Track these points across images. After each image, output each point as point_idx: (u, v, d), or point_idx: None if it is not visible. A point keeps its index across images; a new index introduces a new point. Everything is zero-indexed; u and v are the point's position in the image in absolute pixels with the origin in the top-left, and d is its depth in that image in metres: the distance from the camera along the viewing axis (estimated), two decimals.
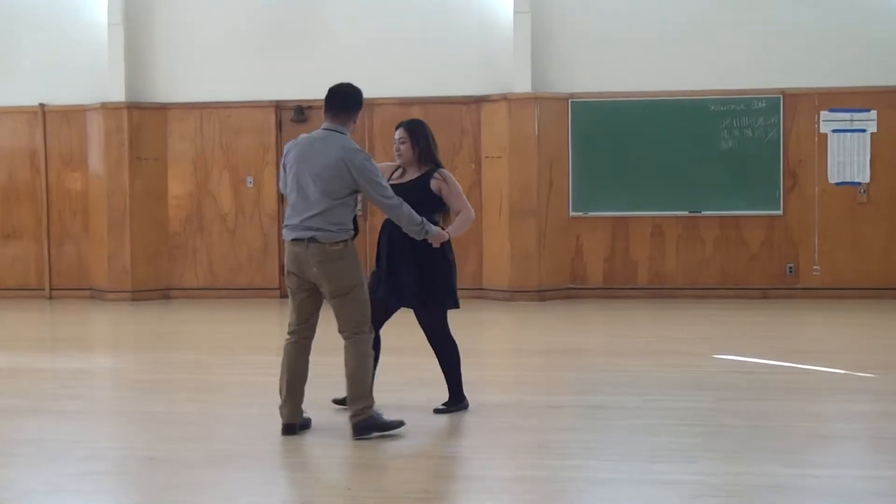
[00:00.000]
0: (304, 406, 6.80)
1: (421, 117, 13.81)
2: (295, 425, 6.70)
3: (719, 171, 13.63)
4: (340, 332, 6.70)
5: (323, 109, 6.81)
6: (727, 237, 13.73)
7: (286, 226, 6.68)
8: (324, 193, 6.54)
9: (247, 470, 6.06)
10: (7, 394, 8.30)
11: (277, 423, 6.79)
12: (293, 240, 6.60)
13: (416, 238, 6.84)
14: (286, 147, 6.83)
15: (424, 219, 6.84)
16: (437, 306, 7.34)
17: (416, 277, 7.18)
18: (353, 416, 6.61)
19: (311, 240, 6.53)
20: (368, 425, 6.57)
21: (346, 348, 6.67)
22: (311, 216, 6.55)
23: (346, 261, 6.57)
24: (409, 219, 6.73)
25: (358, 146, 6.70)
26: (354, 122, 6.79)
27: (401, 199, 6.74)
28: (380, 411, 6.68)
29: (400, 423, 6.67)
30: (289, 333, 6.78)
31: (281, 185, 6.93)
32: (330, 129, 6.71)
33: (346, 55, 14.04)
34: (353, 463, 6.24)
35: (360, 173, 6.54)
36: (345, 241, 6.57)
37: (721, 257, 13.76)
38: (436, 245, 6.96)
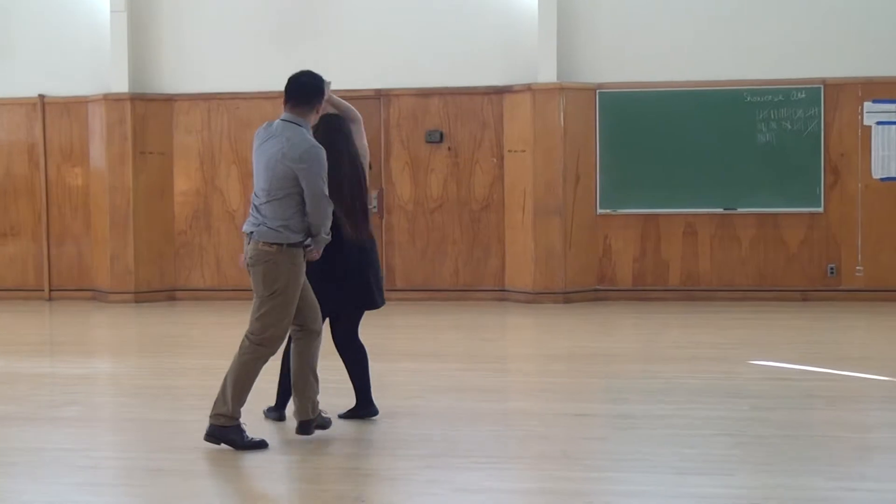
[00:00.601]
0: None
1: (440, 109, 14.02)
2: (310, 421, 6.80)
3: (756, 166, 13.58)
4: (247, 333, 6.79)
5: (283, 99, 6.80)
6: (764, 236, 13.68)
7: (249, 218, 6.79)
8: (269, 186, 6.59)
9: (255, 481, 6.06)
10: (4, 400, 8.34)
11: (285, 432, 6.79)
12: (245, 232, 6.72)
13: (319, 244, 6.72)
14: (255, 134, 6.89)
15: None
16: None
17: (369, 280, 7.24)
18: (212, 417, 6.67)
19: (251, 234, 6.65)
20: (221, 435, 6.63)
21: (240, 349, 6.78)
22: (256, 208, 6.66)
23: (275, 266, 6.59)
24: (327, 222, 6.66)
25: (311, 140, 6.64)
26: (317, 112, 6.79)
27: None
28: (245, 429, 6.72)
29: (260, 445, 6.65)
30: (293, 330, 6.94)
31: None
32: (287, 121, 6.72)
33: (361, 43, 14.05)
34: (367, 474, 6.24)
35: (297, 164, 6.51)
36: (280, 244, 6.56)
37: (758, 257, 13.71)
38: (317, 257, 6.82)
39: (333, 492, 5.95)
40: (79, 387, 8.97)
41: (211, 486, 6.02)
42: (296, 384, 6.81)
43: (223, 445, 6.59)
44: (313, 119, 6.78)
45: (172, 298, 14.55)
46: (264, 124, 6.86)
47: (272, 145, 6.63)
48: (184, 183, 14.56)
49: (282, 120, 6.74)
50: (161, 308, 13.95)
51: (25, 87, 14.68)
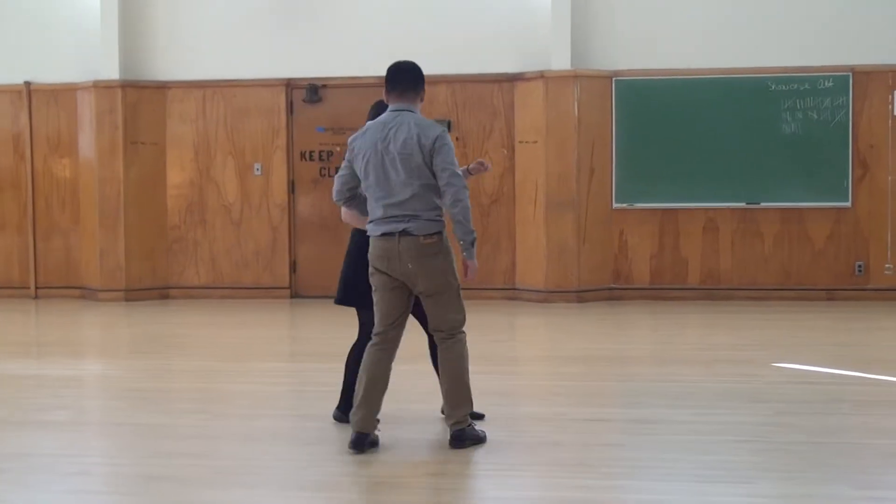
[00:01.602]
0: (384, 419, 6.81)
1: (448, 97, 14.03)
2: (366, 436, 6.74)
3: (780, 159, 13.58)
4: (434, 332, 6.89)
5: (385, 91, 6.87)
6: (789, 232, 13.69)
7: (371, 221, 6.78)
8: (410, 177, 6.67)
9: (253, 489, 6.08)
10: None
11: (289, 437, 6.81)
12: (383, 234, 6.72)
13: (465, 240, 6.76)
14: (351, 140, 6.87)
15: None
16: None
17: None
18: (454, 424, 6.82)
19: (403, 233, 6.67)
20: (467, 435, 6.83)
21: (442, 351, 6.87)
22: (398, 204, 6.68)
23: (446, 255, 6.78)
24: (468, 214, 6.76)
25: (434, 122, 6.87)
26: (422, 99, 6.94)
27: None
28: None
29: (485, 436, 6.96)
30: (374, 335, 6.86)
31: (340, 185, 6.94)
32: (400, 110, 6.81)
33: (364, 28, 14.07)
34: (371, 482, 6.25)
35: (434, 149, 6.66)
36: (441, 233, 6.75)
37: (782, 254, 13.72)
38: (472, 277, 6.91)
39: (338, 499, 5.97)
40: (67, 389, 9.00)
41: (205, 493, 6.04)
42: (371, 393, 6.82)
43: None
44: (420, 106, 6.91)
45: (165, 297, 14.58)
46: (366, 125, 6.86)
47: (399, 136, 6.69)
48: (177, 175, 14.58)
49: (394, 111, 6.80)
50: (153, 307, 13.98)
51: (10, 73, 14.71)
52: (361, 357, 6.98)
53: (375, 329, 6.85)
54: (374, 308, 6.86)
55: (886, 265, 13.55)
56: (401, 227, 6.66)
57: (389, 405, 7.18)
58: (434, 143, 6.65)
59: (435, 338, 6.93)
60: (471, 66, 13.96)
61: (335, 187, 6.98)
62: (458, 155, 13.89)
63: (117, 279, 14.41)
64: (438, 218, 6.74)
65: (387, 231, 6.69)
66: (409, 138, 6.65)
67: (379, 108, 7.21)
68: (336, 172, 7.48)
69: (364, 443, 6.72)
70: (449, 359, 6.85)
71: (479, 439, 6.86)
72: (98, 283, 14.47)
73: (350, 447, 6.71)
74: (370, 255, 6.79)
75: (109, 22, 14.30)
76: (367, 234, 6.82)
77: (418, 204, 6.68)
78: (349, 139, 6.90)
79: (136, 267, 14.47)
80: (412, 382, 8.34)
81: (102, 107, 14.32)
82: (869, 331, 11.92)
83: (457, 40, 14.00)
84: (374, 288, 6.83)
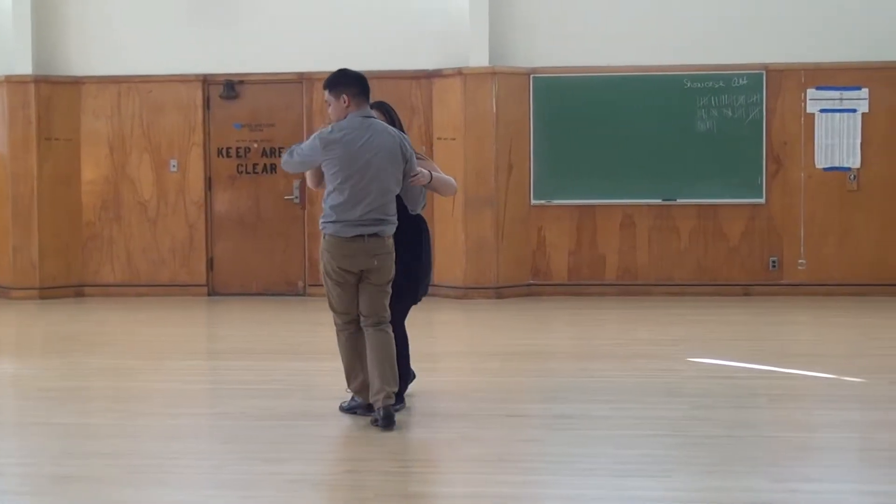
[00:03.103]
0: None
1: None
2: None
3: (696, 155, 13.71)
4: (365, 318, 7.26)
5: (350, 95, 7.21)
6: (704, 228, 13.82)
7: (341, 221, 7.13)
8: (390, 184, 7.18)
9: (170, 488, 6.02)
10: None
11: (207, 435, 6.75)
12: (355, 237, 7.12)
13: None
14: (330, 136, 7.15)
15: None
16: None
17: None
18: (386, 398, 7.12)
19: (373, 235, 7.14)
20: (393, 412, 7.18)
21: (378, 335, 7.22)
22: (376, 208, 7.15)
23: (393, 252, 7.30)
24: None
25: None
26: None
27: None
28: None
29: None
30: (345, 325, 7.34)
31: (315, 179, 7.39)
32: (370, 116, 7.28)
33: (281, 24, 13.98)
34: (288, 480, 6.20)
35: (409, 157, 7.31)
36: (392, 234, 7.31)
37: (698, 250, 13.84)
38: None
39: (256, 498, 5.93)
40: None
41: (121, 492, 5.96)
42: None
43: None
44: None
45: (80, 294, 14.38)
46: (341, 124, 7.20)
47: (385, 144, 7.16)
48: (92, 171, 14.39)
49: (366, 116, 7.24)
50: (68, 305, 13.79)
51: None
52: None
53: (343, 319, 7.32)
54: (334, 302, 7.29)
55: (800, 260, 13.73)
56: (373, 230, 7.13)
57: (305, 402, 7.14)
58: (410, 151, 7.30)
59: (366, 324, 7.26)
60: (389, 63, 13.91)
61: (310, 182, 7.45)
62: None
63: (31, 277, 14.18)
64: (396, 220, 7.29)
65: (359, 234, 7.11)
66: (394, 147, 7.18)
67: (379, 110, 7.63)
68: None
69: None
70: (387, 342, 7.21)
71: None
72: (10, 280, 14.24)
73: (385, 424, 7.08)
74: (333, 255, 7.16)
75: (22, 15, 14.06)
76: (327, 231, 7.17)
77: (391, 208, 7.22)
78: (325, 134, 7.17)
79: (51, 264, 14.25)
80: (327, 380, 8.31)
81: (15, 102, 14.09)
82: (783, 325, 12.08)
83: (375, 36, 13.95)
84: (334, 283, 7.22)
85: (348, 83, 7.24)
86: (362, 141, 7.09)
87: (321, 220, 7.24)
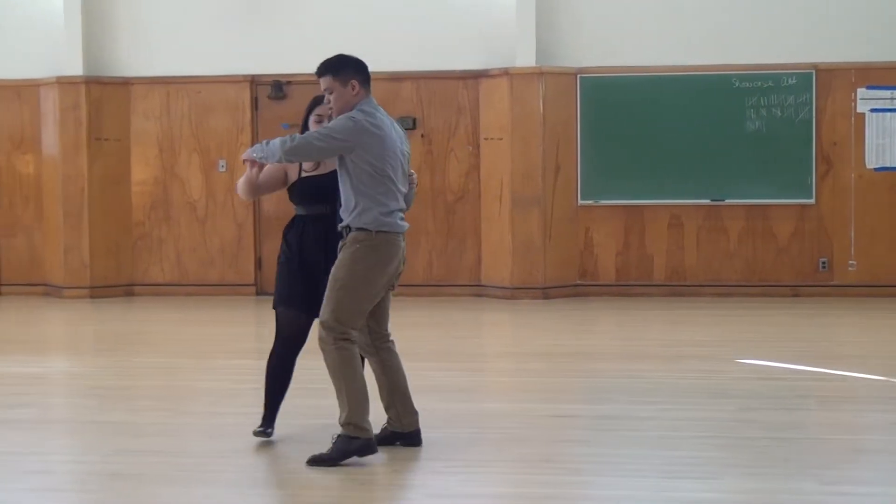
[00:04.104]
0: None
1: (413, 94, 14.00)
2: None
3: (745, 155, 13.62)
4: (385, 332, 6.71)
5: (359, 82, 6.49)
6: (753, 228, 13.73)
7: (397, 210, 6.48)
8: (404, 175, 6.60)
9: (217, 487, 6.04)
10: None
11: (251, 436, 6.78)
12: (404, 232, 6.57)
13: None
14: (369, 121, 6.37)
15: None
16: None
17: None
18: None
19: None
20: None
21: (390, 353, 6.70)
22: (400, 201, 6.54)
23: None
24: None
25: None
26: None
27: None
28: None
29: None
30: (381, 341, 6.66)
31: (268, 174, 6.80)
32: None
33: (329, 24, 14.00)
34: (337, 480, 6.21)
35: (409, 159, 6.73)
36: None
37: (746, 251, 13.76)
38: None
39: (303, 497, 5.95)
40: (31, 387, 8.94)
41: (167, 490, 6.00)
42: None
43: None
44: None
45: (130, 294, 14.49)
46: (371, 110, 6.45)
47: (400, 136, 6.58)
48: (142, 171, 14.49)
49: (377, 105, 6.57)
50: (118, 304, 13.90)
51: None
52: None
53: (358, 336, 6.48)
54: (358, 314, 6.40)
55: (850, 261, 13.61)
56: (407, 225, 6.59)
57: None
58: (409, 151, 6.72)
59: (379, 341, 6.67)
60: (436, 63, 13.92)
61: (259, 183, 6.76)
62: (424, 152, 13.94)
63: (81, 276, 14.30)
64: None
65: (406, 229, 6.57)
66: (404, 144, 6.60)
67: None
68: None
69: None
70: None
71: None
72: (62, 280, 14.36)
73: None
74: (386, 254, 6.41)
75: (73, 17, 14.18)
76: (382, 228, 6.38)
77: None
78: (361, 118, 6.34)
79: (101, 264, 14.36)
80: (373, 380, 8.31)
81: (66, 103, 14.21)
82: (832, 327, 11.99)
83: (422, 37, 13.96)
84: (373, 293, 6.43)
85: (357, 68, 6.51)
86: (392, 131, 6.47)
87: (363, 217, 6.35)
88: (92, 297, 14.21)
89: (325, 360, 6.38)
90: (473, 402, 8.05)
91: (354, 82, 6.47)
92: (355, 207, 6.37)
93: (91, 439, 7.24)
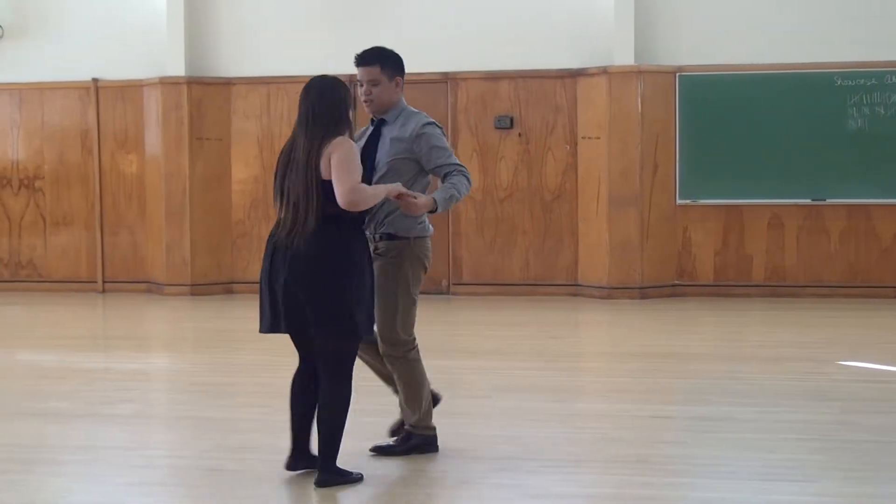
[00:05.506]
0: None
1: (510, 93, 14.00)
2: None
3: (846, 154, 13.43)
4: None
5: (402, 78, 6.68)
6: (855, 228, 13.52)
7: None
8: None
9: (311, 484, 6.08)
10: (56, 396, 8.45)
11: (349, 431, 6.83)
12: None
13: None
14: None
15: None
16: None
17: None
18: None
19: None
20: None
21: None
22: None
23: None
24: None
25: None
26: None
27: None
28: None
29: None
30: (412, 348, 6.54)
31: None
32: None
33: (426, 24, 14.05)
34: (434, 477, 6.24)
35: None
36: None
37: (848, 251, 13.55)
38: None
39: (402, 496, 5.97)
40: (133, 383, 9.08)
41: (266, 486, 6.06)
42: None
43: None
44: None
45: (230, 291, 14.67)
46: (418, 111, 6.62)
47: None
48: (242, 170, 14.67)
49: None
50: (218, 301, 14.08)
51: (78, 70, 14.84)
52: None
53: (410, 336, 6.50)
54: (412, 321, 6.49)
55: None
56: None
57: (448, 400, 7.16)
58: None
59: (382, 353, 6.49)
60: (533, 62, 13.91)
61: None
62: (521, 151, 13.94)
63: (183, 274, 14.51)
64: None
65: None
66: None
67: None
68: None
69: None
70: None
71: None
72: (164, 277, 14.59)
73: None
74: (428, 260, 6.54)
75: (175, 19, 14.40)
76: (426, 233, 6.45)
77: None
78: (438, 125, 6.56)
79: (202, 262, 14.57)
80: (469, 378, 8.33)
81: (169, 103, 14.43)
82: None
83: (519, 36, 13.96)
84: (416, 300, 6.53)
85: (402, 65, 6.53)
86: None
87: (402, 223, 6.36)
88: (192, 294, 14.41)
89: (396, 371, 6.49)
90: (569, 401, 8.03)
91: (399, 79, 6.53)
92: (390, 214, 6.35)
93: (190, 435, 7.35)
